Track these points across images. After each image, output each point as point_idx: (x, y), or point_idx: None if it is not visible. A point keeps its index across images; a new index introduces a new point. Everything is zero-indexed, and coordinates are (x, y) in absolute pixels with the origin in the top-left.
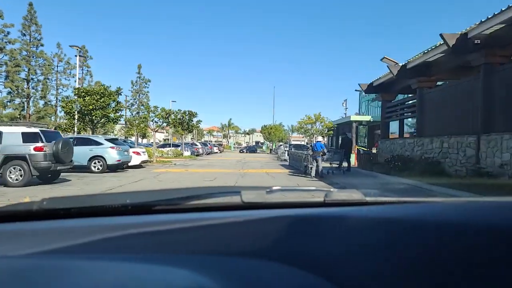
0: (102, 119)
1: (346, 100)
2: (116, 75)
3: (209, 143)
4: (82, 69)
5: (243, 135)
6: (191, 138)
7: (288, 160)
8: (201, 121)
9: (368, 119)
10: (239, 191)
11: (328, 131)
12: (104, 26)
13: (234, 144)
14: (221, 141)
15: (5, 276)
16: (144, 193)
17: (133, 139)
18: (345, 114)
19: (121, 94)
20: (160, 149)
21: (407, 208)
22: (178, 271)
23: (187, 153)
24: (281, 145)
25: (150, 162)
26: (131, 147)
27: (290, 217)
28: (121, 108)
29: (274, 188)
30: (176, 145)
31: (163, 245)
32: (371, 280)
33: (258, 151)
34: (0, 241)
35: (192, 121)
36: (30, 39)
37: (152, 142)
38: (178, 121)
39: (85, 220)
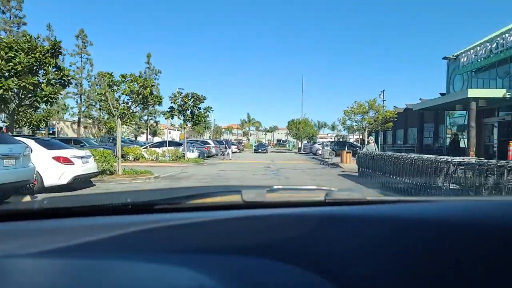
0: (27, 97)
1: (383, 91)
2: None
3: (224, 142)
4: (81, 57)
5: (264, 132)
6: (209, 137)
7: (357, 171)
8: (212, 108)
9: (502, 95)
10: (240, 190)
11: (385, 122)
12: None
13: (255, 142)
14: (240, 139)
15: (6, 275)
16: (145, 192)
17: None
18: (383, 103)
19: (61, 53)
20: (154, 149)
21: (407, 207)
22: (179, 270)
23: (192, 155)
24: (321, 143)
25: (109, 174)
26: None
27: (291, 216)
28: (67, 78)
29: (275, 187)
30: (177, 144)
31: (164, 244)
32: (371, 279)
33: (281, 150)
34: (1, 240)
35: (199, 108)
36: (10, 17)
37: (148, 141)
38: (180, 108)
39: (85, 219)
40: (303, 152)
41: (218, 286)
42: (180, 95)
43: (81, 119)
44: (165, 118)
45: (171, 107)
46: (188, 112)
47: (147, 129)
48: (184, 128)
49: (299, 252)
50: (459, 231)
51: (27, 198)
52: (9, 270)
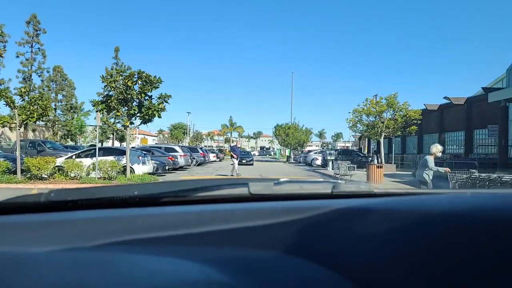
0: None
1: (376, 95)
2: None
3: (200, 148)
4: (31, 46)
5: (247, 139)
6: (188, 143)
7: None
8: (170, 96)
9: None
10: (247, 183)
11: (406, 126)
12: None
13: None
14: (221, 146)
15: (14, 269)
16: (152, 185)
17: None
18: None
19: None
20: (82, 160)
21: (415, 200)
22: (185, 263)
23: (142, 168)
24: (319, 152)
25: None
26: None
27: (298, 209)
28: None
29: (282, 179)
30: (119, 152)
31: (171, 237)
32: (379, 272)
33: (267, 159)
34: (8, 233)
35: (149, 96)
36: None
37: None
38: (121, 96)
39: (93, 211)
40: (293, 161)
41: (225, 279)
42: (120, 74)
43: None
44: (96, 112)
45: (106, 95)
46: (134, 103)
47: (113, 134)
48: (127, 126)
49: (306, 244)
50: (467, 223)
51: (34, 191)
52: (17, 263)
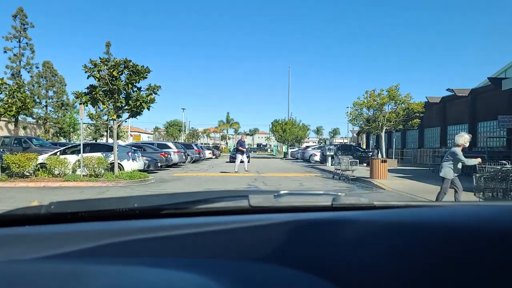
0: None
1: (374, 90)
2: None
3: (195, 145)
4: (19, 41)
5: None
6: (184, 140)
7: None
8: (160, 87)
9: None
10: (247, 195)
11: (408, 119)
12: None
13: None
14: (218, 144)
15: (14, 280)
16: (152, 197)
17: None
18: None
19: None
20: (66, 157)
21: (415, 212)
22: (185, 275)
23: (132, 165)
24: (318, 147)
25: None
26: None
27: (298, 221)
28: None
29: (282, 192)
30: (107, 148)
31: (171, 249)
32: (379, 284)
33: (263, 155)
34: (8, 245)
35: (137, 87)
36: None
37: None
38: (106, 86)
39: (92, 224)
40: (291, 158)
41: None
42: (106, 63)
43: (19, 118)
44: (79, 104)
45: (91, 86)
46: (122, 95)
47: (106, 131)
48: (114, 120)
49: (306, 257)
50: (467, 236)
51: (35, 203)
52: (16, 275)
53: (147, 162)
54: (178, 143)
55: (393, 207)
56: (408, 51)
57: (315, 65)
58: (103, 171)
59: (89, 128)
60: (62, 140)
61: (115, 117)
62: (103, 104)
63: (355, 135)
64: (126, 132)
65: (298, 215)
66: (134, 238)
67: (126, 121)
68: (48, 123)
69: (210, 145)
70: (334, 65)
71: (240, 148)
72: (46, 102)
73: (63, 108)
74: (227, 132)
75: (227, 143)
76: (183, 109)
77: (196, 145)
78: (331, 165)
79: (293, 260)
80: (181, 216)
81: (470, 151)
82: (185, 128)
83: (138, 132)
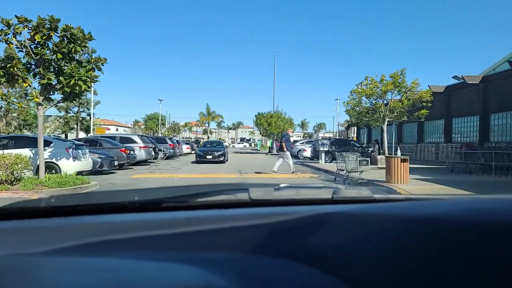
0: None
1: (361, 83)
2: None
3: (170, 139)
4: None
5: (227, 130)
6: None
7: None
8: (105, 61)
9: None
10: (247, 188)
11: (414, 110)
12: None
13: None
14: (199, 138)
15: (14, 274)
16: (152, 190)
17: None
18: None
19: None
20: None
21: (415, 205)
22: (186, 267)
23: (74, 165)
24: (307, 142)
25: None
26: None
27: (298, 214)
28: None
29: (282, 185)
30: (45, 143)
31: (171, 242)
32: (379, 277)
33: (247, 150)
34: (8, 238)
35: (77, 60)
36: None
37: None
38: (28, 56)
39: (93, 217)
40: (276, 153)
41: (224, 284)
42: (26, 25)
43: None
44: None
45: (6, 58)
46: (50, 70)
47: (77, 124)
48: (40, 104)
49: (307, 249)
50: (467, 228)
51: (35, 196)
52: (16, 268)
53: (99, 160)
54: (147, 136)
55: (393, 200)
56: (407, 45)
57: (300, 59)
58: (27, 175)
59: (57, 120)
60: (28, 133)
61: (40, 99)
62: (24, 82)
63: (343, 128)
64: (101, 125)
65: (298, 208)
66: (134, 231)
67: (74, 111)
68: (9, 115)
69: (192, 139)
70: (321, 60)
71: (284, 144)
72: (8, 91)
73: (26, 98)
74: (209, 126)
75: (209, 138)
76: (160, 100)
77: (170, 139)
78: (324, 162)
79: (293, 253)
80: (182, 209)
81: (482, 147)
82: (165, 121)
83: (116, 125)
